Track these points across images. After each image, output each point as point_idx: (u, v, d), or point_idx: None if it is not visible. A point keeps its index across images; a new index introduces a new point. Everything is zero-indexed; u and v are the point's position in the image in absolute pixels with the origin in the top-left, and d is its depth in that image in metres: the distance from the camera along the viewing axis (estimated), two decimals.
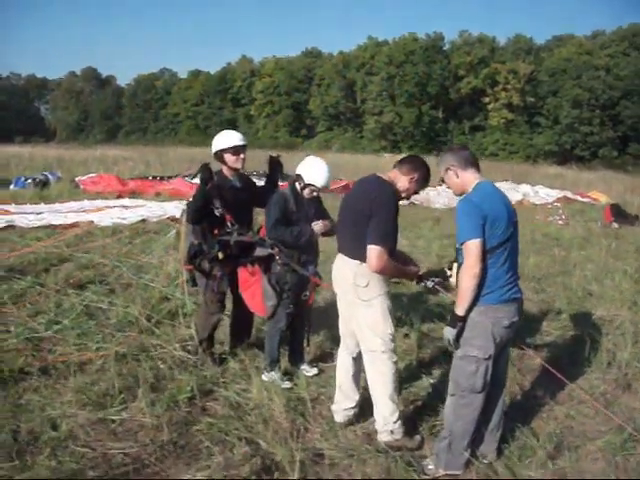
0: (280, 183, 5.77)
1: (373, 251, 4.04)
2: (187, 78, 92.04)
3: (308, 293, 5.32)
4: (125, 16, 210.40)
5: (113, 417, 4.48)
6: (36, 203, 14.75)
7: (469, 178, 3.89)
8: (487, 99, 66.32)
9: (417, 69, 66.90)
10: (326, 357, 5.89)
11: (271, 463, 3.98)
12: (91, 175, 19.54)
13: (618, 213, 15.91)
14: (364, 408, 4.62)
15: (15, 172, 21.14)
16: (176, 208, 13.54)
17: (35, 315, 6.49)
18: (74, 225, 11.77)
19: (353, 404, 4.58)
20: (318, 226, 5.17)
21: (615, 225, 15.12)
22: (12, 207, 13.71)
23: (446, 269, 4.32)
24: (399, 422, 4.29)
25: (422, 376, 5.48)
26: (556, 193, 21.24)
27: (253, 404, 4.78)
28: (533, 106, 64.48)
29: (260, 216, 5.67)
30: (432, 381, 5.40)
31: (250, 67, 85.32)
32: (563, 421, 4.81)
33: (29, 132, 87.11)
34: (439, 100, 68.99)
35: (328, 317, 6.16)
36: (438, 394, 5.03)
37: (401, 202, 4.38)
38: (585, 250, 11.80)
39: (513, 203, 4.10)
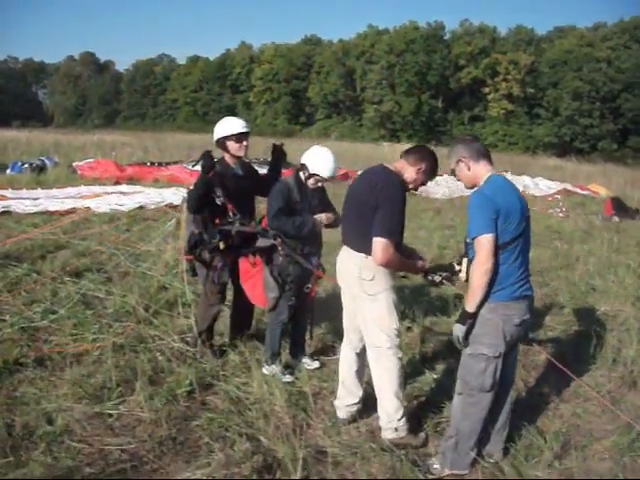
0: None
1: (378, 244, 3.91)
2: (186, 64, 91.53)
3: (311, 285, 5.20)
4: (124, 0, 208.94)
5: (110, 411, 4.37)
6: (33, 188, 14.58)
7: (481, 171, 3.76)
8: (487, 89, 66.06)
9: (417, 58, 66.57)
10: (327, 350, 5.80)
11: (273, 461, 3.87)
12: (89, 160, 19.34)
13: (619, 207, 15.79)
14: (367, 404, 4.52)
15: (12, 157, 20.92)
16: (174, 195, 13.48)
17: (31, 304, 6.38)
18: (71, 211, 11.63)
19: (356, 400, 4.48)
20: (322, 217, 5.05)
21: (616, 219, 15.00)
22: (8, 192, 13.55)
23: (455, 264, 4.19)
24: (404, 419, 4.19)
25: (425, 371, 5.38)
26: (556, 185, 21.07)
27: (254, 398, 4.68)
28: (533, 97, 64.27)
29: (262, 204, 5.55)
30: (436, 376, 5.30)
31: (249, 53, 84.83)
32: (569, 419, 4.73)
33: (27, 116, 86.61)
34: (439, 90, 68.73)
35: (329, 309, 6.06)
36: (442, 390, 4.95)
37: None
38: (587, 244, 11.70)
39: None
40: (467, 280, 3.75)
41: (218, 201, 5.01)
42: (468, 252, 3.74)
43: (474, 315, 3.64)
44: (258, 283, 5.18)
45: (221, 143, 5.20)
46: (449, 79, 68.59)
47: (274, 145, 5.54)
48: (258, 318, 6.11)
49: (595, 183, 22.92)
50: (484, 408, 3.80)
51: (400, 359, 4.21)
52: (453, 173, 3.96)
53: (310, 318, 5.46)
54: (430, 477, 3.87)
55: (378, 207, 3.93)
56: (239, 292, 5.48)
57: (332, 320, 6.04)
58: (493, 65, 65.42)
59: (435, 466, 3.92)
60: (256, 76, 79.46)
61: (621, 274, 8.87)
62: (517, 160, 35.99)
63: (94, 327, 5.85)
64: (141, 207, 12.81)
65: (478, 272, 3.53)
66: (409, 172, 4.16)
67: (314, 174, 5.03)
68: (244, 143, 5.19)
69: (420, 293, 7.56)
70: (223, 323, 5.93)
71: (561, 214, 15.42)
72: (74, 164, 19.01)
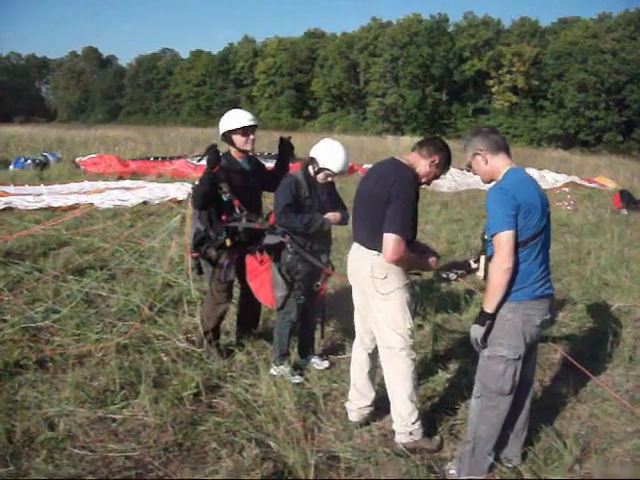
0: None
1: (389, 240, 3.75)
2: (189, 58, 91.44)
3: (320, 283, 5.04)
4: None
5: (114, 415, 4.23)
6: (35, 184, 14.44)
7: (500, 164, 3.59)
8: (491, 82, 65.75)
9: (421, 51, 66.22)
10: (337, 349, 5.65)
11: (283, 467, 3.73)
12: (92, 156, 19.22)
13: (628, 199, 15.57)
14: (380, 405, 4.38)
15: (15, 153, 20.80)
16: (178, 190, 13.32)
17: (32, 303, 6.23)
18: (74, 207, 11.48)
19: (368, 402, 4.33)
20: (331, 216, 4.89)
21: (625, 212, 14.84)
22: (11, 188, 13.41)
23: (472, 262, 4.03)
24: (418, 422, 4.04)
25: (438, 370, 5.23)
26: (563, 178, 20.89)
27: (262, 401, 4.54)
28: (538, 89, 63.90)
29: (268, 199, 5.39)
30: (449, 376, 5.15)
31: (252, 47, 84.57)
32: (587, 420, 4.58)
33: (30, 112, 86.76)
34: (443, 82, 68.40)
35: (338, 306, 5.92)
36: (456, 390, 4.83)
37: None
38: (597, 237, 11.55)
39: None
40: (485, 279, 3.59)
41: (224, 197, 4.85)
42: (486, 249, 3.58)
43: (493, 315, 3.47)
44: (266, 281, 5.04)
45: (227, 137, 5.03)
46: (453, 72, 68.24)
47: (281, 138, 5.37)
48: (266, 316, 5.96)
49: (602, 175, 22.75)
50: (503, 412, 3.64)
51: (414, 360, 4.05)
52: (469, 167, 3.79)
53: (322, 317, 5.31)
54: None
55: (389, 202, 3.77)
56: (246, 290, 5.32)
57: (341, 318, 5.91)
58: (497, 57, 65.09)
59: (452, 471, 3.78)
60: (259, 70, 79.29)
61: (634, 268, 8.73)
62: (522, 152, 35.78)
63: (97, 327, 5.71)
64: (145, 202, 12.66)
65: (498, 271, 3.37)
66: (422, 165, 4.00)
67: (324, 168, 4.86)
68: (251, 137, 5.02)
69: (430, 289, 7.40)
70: (229, 322, 5.79)
71: (569, 207, 15.25)
72: (77, 159, 18.89)
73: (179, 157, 19.83)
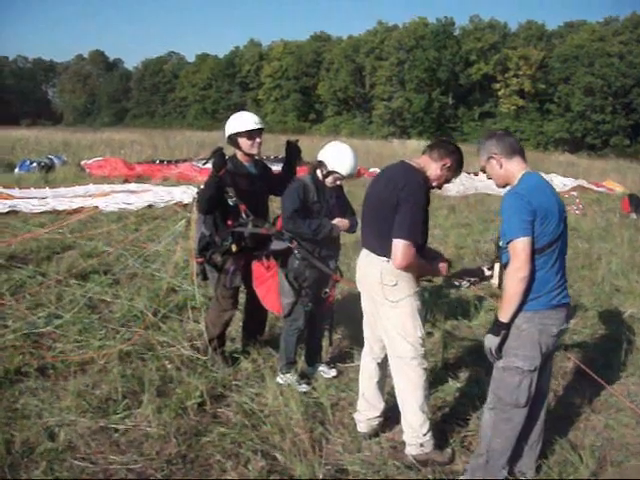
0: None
1: (398, 246, 3.63)
2: (195, 62, 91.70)
3: (328, 290, 4.92)
4: None
5: (116, 426, 4.11)
6: (40, 187, 14.37)
7: (514, 168, 3.47)
8: (498, 85, 65.71)
9: (427, 54, 66.24)
10: (345, 357, 5.52)
11: None
12: (97, 159, 19.17)
13: (637, 204, 15.40)
14: (389, 416, 4.26)
15: (21, 155, 20.76)
16: (184, 193, 13.24)
17: (35, 308, 6.14)
18: (78, 210, 11.40)
19: (378, 413, 4.20)
20: (340, 223, 4.77)
21: (634, 216, 14.68)
22: (16, 191, 13.35)
23: (485, 269, 3.90)
24: (429, 434, 3.91)
25: (448, 379, 5.10)
26: (570, 182, 20.74)
27: (268, 411, 4.41)
28: (544, 93, 63.81)
29: (274, 203, 5.28)
30: (459, 385, 5.02)
31: (258, 51, 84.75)
32: (602, 431, 4.46)
33: (36, 115, 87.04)
34: (449, 86, 68.39)
35: (346, 313, 5.80)
36: (467, 400, 4.71)
37: None
38: (606, 242, 11.41)
39: None
40: (500, 287, 3.47)
41: (230, 201, 4.73)
42: (501, 256, 3.46)
43: (508, 325, 3.35)
44: (272, 288, 4.92)
45: (233, 140, 4.91)
46: (459, 75, 68.25)
47: (288, 142, 5.25)
48: (272, 323, 5.85)
49: (609, 179, 22.60)
50: (517, 424, 3.52)
51: (425, 369, 3.93)
52: (483, 171, 3.67)
53: (329, 324, 5.20)
54: None
55: (399, 206, 3.66)
56: (252, 297, 5.20)
57: (349, 324, 5.79)
58: (504, 61, 65.01)
59: None
60: (265, 73, 79.49)
61: None
62: (529, 156, 34.65)
63: (100, 333, 5.61)
64: (150, 206, 12.59)
65: (514, 279, 3.25)
66: (433, 168, 3.88)
67: (332, 171, 4.74)
68: (257, 140, 4.90)
69: (438, 295, 7.27)
70: (235, 328, 5.68)
71: (577, 211, 15.09)
72: (82, 162, 18.85)
73: (185, 160, 19.75)
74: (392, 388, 4.09)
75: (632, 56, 57.25)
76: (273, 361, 5.23)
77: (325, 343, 5.37)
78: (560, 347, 5.62)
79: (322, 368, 5.19)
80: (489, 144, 3.55)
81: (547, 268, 3.32)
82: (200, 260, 5.03)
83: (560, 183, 20.34)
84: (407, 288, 3.82)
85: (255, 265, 5.01)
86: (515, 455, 3.67)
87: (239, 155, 4.97)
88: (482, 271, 3.94)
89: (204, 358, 5.14)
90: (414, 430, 3.90)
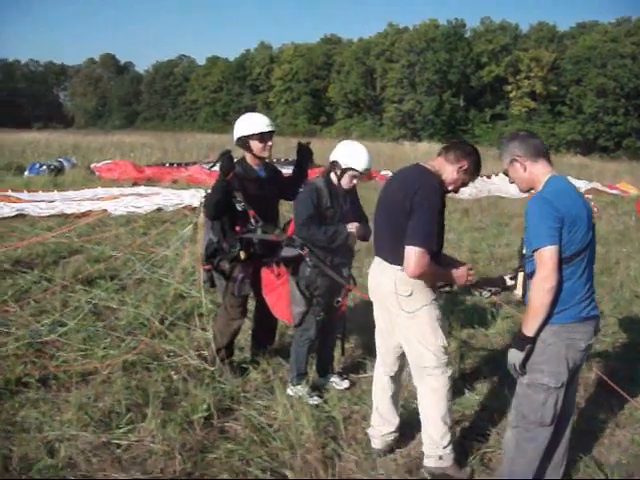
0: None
1: (411, 253, 3.43)
2: (205, 65, 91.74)
3: (341, 299, 4.72)
4: (143, 2, 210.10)
5: (118, 441, 3.92)
6: (49, 190, 14.29)
7: (540, 171, 3.25)
8: (509, 87, 65.24)
9: (438, 56, 65.85)
10: (357, 368, 5.32)
11: None
12: (106, 162, 19.13)
13: None
14: (403, 430, 4.07)
15: (31, 158, 20.73)
16: (193, 197, 13.10)
17: (39, 314, 6.00)
18: (87, 214, 11.28)
19: (393, 429, 4.00)
20: (355, 228, 4.56)
21: None
22: (24, 195, 13.27)
23: (507, 278, 3.70)
24: (450, 447, 3.71)
25: (465, 391, 4.89)
26: (584, 184, 20.46)
27: (278, 425, 4.21)
28: (556, 95, 63.27)
29: (284, 207, 5.09)
30: (478, 397, 4.81)
31: (269, 54, 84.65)
32: (628, 448, 4.24)
33: (48, 119, 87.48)
34: (460, 88, 67.97)
35: (359, 321, 5.60)
36: (487, 414, 4.51)
37: None
38: (624, 246, 11.17)
39: None
40: (524, 298, 3.26)
41: (238, 206, 4.55)
42: (526, 266, 3.25)
43: (533, 339, 3.14)
44: (283, 296, 4.72)
45: (243, 142, 4.72)
46: (470, 77, 67.81)
47: (299, 144, 5.05)
48: (282, 331, 5.66)
49: (623, 182, 22.30)
50: (542, 444, 3.31)
51: (450, 378, 3.73)
52: (506, 174, 3.46)
53: (341, 333, 5.00)
54: None
55: (412, 211, 3.46)
56: (262, 305, 5.02)
57: (362, 334, 5.58)
58: (515, 63, 64.57)
59: None
60: (276, 76, 79.28)
61: None
62: None
63: (104, 342, 5.45)
64: (159, 209, 12.47)
65: (540, 290, 3.04)
66: (449, 171, 3.69)
67: (347, 169, 4.51)
68: (269, 143, 4.70)
69: (453, 302, 7.05)
70: (244, 337, 5.50)
71: (593, 214, 14.79)
72: (92, 165, 18.81)
73: (194, 163, 19.65)
74: (406, 401, 3.89)
75: None
76: (283, 372, 5.05)
77: (337, 353, 5.18)
78: None
79: (334, 379, 5.00)
80: (512, 146, 3.34)
81: (575, 278, 3.11)
82: (207, 267, 4.85)
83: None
84: (423, 298, 3.63)
85: (265, 272, 4.82)
86: (538, 474, 3.47)
87: (248, 158, 4.78)
88: (504, 280, 3.74)
89: (212, 368, 4.97)
90: (434, 442, 3.71)
